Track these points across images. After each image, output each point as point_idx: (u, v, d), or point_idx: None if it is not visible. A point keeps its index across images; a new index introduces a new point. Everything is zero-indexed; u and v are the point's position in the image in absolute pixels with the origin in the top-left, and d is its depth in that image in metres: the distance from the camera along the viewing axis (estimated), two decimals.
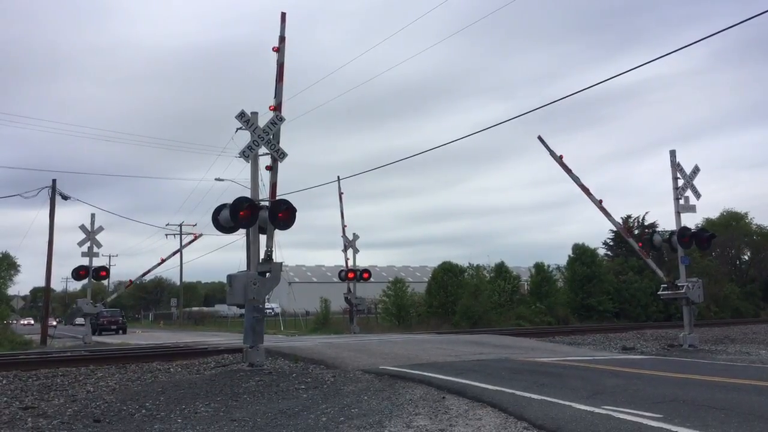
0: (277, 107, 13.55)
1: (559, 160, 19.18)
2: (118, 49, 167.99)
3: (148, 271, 47.95)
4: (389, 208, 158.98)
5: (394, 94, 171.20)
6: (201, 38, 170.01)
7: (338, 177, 30.39)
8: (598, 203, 19.59)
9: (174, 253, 45.98)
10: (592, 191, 19.58)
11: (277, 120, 13.50)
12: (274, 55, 13.63)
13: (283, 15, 13.69)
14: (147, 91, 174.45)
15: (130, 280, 35.23)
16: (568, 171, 19.22)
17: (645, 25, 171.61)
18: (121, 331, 45.65)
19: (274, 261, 13.18)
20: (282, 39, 13.62)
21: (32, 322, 78.14)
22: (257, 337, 12.74)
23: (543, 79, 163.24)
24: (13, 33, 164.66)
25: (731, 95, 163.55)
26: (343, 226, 29.93)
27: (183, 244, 38.74)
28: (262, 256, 13.29)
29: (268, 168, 13.76)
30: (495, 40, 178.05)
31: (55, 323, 65.34)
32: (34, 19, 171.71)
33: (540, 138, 19.36)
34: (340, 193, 30.36)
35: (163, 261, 40.90)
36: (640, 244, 20.99)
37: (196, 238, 33.16)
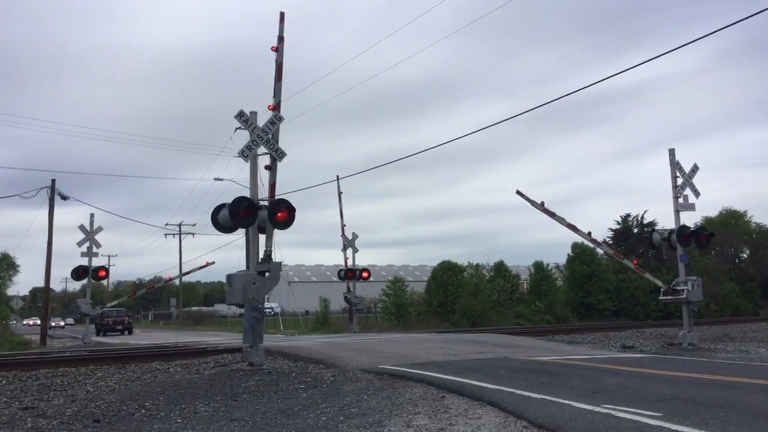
0: (275, 107, 13.54)
1: (541, 207, 19.31)
2: (122, 50, 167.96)
3: (152, 287, 48.18)
4: (389, 208, 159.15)
5: (396, 94, 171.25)
6: (204, 39, 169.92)
7: (337, 176, 30.37)
8: (587, 236, 20.12)
9: (179, 276, 46.37)
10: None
11: (276, 119, 13.50)
12: (275, 55, 13.61)
13: (282, 15, 13.65)
14: (150, 91, 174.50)
15: (134, 291, 35.63)
16: (552, 215, 19.42)
17: (648, 25, 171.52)
18: (126, 332, 44.42)
19: (274, 261, 13.18)
20: (281, 39, 13.59)
21: (38, 322, 77.24)
22: (257, 336, 12.74)
23: (546, 79, 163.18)
24: (17, 34, 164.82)
25: (735, 94, 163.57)
26: (343, 226, 29.92)
27: (192, 269, 39.55)
28: (261, 255, 13.30)
29: (267, 168, 13.74)
30: (497, 41, 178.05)
31: (63, 324, 64.84)
32: (38, 20, 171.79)
33: (518, 192, 19.48)
34: (339, 193, 30.34)
35: (171, 279, 41.37)
36: (635, 262, 21.55)
37: (208, 264, 33.60)
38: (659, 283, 19.61)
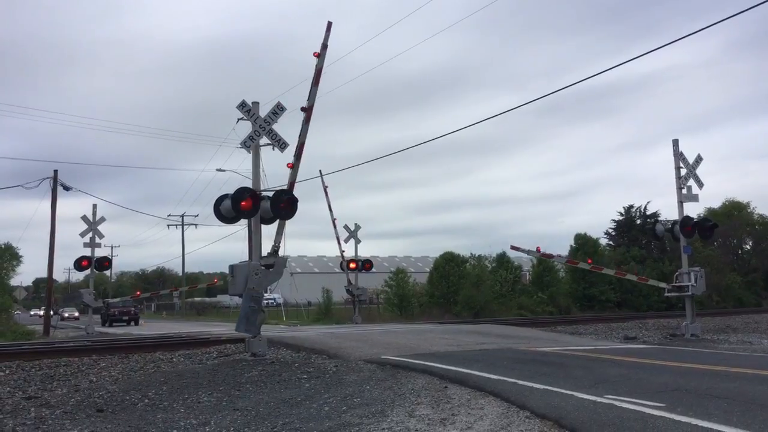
0: (309, 109, 13.64)
1: (537, 254, 20.27)
2: (131, 43, 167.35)
3: (156, 293, 48.63)
4: (394, 199, 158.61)
5: (403, 86, 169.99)
6: (212, 32, 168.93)
7: (320, 171, 29.90)
8: (590, 265, 21.75)
9: (182, 289, 46.58)
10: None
11: (279, 110, 13.47)
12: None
13: (329, 24, 13.82)
14: (159, 83, 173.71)
15: (138, 293, 36.15)
16: (549, 257, 20.38)
17: (659, 16, 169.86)
18: (133, 323, 42.87)
19: (280, 256, 13.17)
20: (324, 46, 13.74)
21: (51, 312, 75.32)
22: (250, 326, 12.62)
23: (554, 72, 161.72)
24: (25, 26, 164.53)
25: (743, 86, 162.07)
26: (333, 220, 29.76)
27: (200, 285, 40.08)
28: (264, 247, 13.28)
29: (289, 166, 13.76)
30: (506, 33, 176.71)
31: (77, 314, 64.62)
32: (47, 12, 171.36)
33: (513, 246, 20.01)
34: (325, 187, 30.00)
35: (175, 289, 41.59)
36: (636, 273, 22.29)
37: (216, 282, 34.06)
38: (663, 284, 19.64)
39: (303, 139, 13.56)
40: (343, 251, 30.21)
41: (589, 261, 20.07)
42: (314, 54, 13.67)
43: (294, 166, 13.63)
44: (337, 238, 30.03)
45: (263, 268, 12.79)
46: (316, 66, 13.62)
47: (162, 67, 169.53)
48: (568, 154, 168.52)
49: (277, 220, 13.49)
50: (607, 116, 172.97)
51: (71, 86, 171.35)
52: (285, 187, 13.67)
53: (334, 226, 29.91)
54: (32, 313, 73.29)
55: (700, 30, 13.37)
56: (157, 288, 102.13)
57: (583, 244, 40.84)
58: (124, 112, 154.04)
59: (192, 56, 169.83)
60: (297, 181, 13.78)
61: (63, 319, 56.64)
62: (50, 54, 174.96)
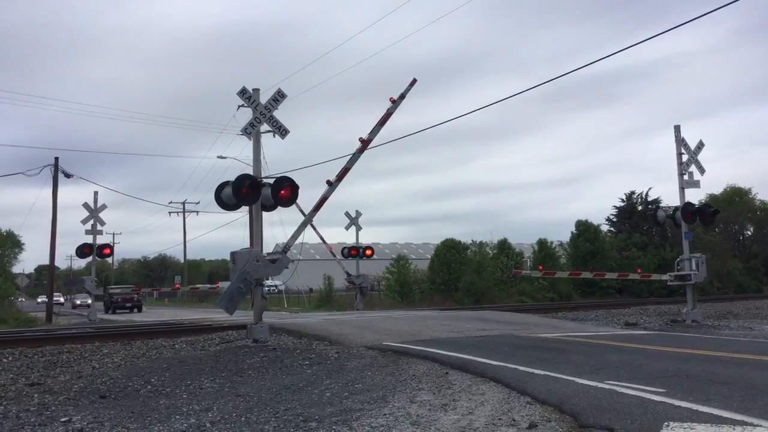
0: (366, 141, 14.22)
1: (539, 272, 21.71)
2: (136, 31, 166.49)
3: (157, 288, 49.00)
4: (396, 186, 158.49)
5: (407, 73, 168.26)
6: (217, 19, 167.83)
7: (275, 176, 29.57)
8: (592, 273, 22.52)
9: (189, 289, 46.47)
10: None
11: (279, 96, 13.43)
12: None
13: (414, 81, 14.67)
14: (161, 71, 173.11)
15: (140, 287, 36.39)
16: (552, 274, 22.33)
17: (667, 3, 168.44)
18: (135, 310, 43.19)
19: (287, 255, 13.21)
20: (402, 97, 14.48)
21: (61, 300, 72.39)
22: (231, 305, 12.54)
23: (563, 59, 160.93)
24: (35, 14, 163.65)
25: (748, 72, 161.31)
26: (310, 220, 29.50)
27: (202, 287, 40.25)
28: (265, 234, 13.31)
29: (328, 182, 14.16)
30: (515, 19, 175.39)
31: (89, 301, 64.46)
32: (56, 0, 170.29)
33: (516, 270, 20.47)
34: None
35: (178, 287, 41.94)
36: (639, 271, 22.84)
37: (218, 285, 34.23)
38: (665, 277, 19.68)
39: (350, 165, 14.37)
40: (331, 246, 30.19)
41: (591, 270, 20.25)
42: (390, 99, 14.38)
43: (332, 185, 14.05)
44: (320, 237, 29.87)
45: (266, 257, 12.79)
46: (388, 110, 14.35)
47: (165, 54, 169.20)
48: (573, 140, 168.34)
49: (299, 224, 13.83)
50: (612, 103, 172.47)
51: (74, 74, 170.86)
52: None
53: (314, 228, 29.58)
54: (39, 300, 73.35)
55: (702, 15, 13.26)
56: (159, 273, 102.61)
57: (584, 230, 40.81)
58: (126, 99, 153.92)
59: (195, 44, 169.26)
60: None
61: (75, 306, 56.44)
62: (54, 41, 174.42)
